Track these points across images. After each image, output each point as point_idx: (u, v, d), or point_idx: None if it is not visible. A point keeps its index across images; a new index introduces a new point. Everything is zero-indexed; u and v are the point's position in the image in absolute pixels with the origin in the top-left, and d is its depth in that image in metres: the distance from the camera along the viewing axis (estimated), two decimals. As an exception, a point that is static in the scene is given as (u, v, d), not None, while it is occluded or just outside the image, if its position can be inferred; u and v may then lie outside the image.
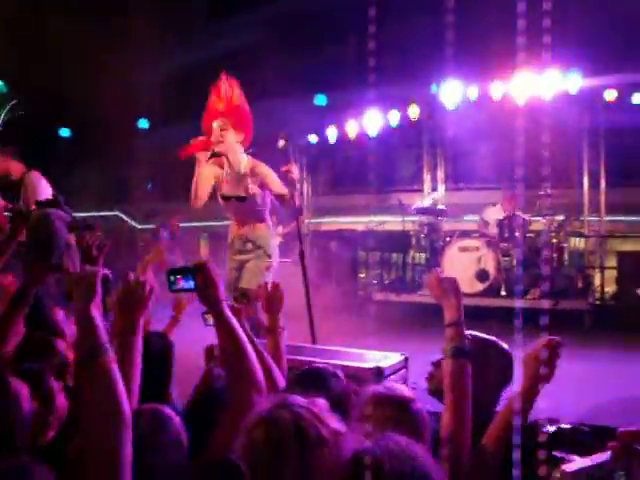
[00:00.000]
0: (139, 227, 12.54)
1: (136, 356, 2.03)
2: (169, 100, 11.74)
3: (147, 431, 1.71)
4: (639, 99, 8.35)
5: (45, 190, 4.86)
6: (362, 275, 9.60)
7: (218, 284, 1.98)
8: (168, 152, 6.08)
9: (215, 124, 4.40)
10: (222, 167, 4.55)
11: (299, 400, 1.57)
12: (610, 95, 8.42)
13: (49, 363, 2.33)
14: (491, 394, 2.22)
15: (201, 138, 4.43)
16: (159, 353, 2.54)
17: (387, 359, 3.45)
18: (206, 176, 4.43)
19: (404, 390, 1.98)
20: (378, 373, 3.25)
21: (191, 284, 2.00)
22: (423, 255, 9.01)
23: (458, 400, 1.83)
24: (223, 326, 1.94)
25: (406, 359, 3.67)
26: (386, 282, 9.43)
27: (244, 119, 4.51)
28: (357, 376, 3.16)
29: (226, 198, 4.56)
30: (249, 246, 4.60)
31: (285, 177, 4.54)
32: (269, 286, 2.87)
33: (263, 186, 4.49)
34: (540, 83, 8.04)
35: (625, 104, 8.43)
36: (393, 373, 3.44)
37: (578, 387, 4.24)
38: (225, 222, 5.28)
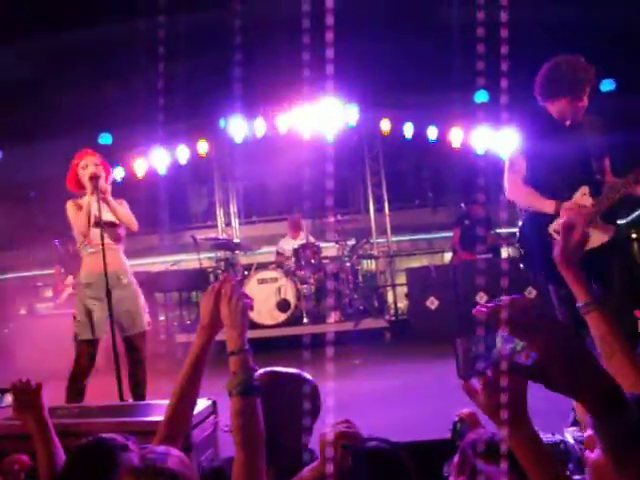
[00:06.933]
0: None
1: None
2: None
3: None
4: (410, 130, 9.08)
5: None
6: (162, 318, 9.22)
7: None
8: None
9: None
10: None
11: None
12: (385, 126, 9.06)
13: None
14: (294, 434, 1.90)
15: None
16: None
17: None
18: None
19: (176, 457, 1.45)
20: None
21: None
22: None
23: (249, 445, 1.55)
24: None
25: (214, 403, 3.44)
26: (188, 322, 9.14)
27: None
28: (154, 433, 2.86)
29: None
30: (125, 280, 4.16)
31: None
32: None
33: None
34: (321, 116, 8.40)
35: (399, 134, 9.09)
36: (202, 421, 3.21)
37: (386, 403, 4.34)
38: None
